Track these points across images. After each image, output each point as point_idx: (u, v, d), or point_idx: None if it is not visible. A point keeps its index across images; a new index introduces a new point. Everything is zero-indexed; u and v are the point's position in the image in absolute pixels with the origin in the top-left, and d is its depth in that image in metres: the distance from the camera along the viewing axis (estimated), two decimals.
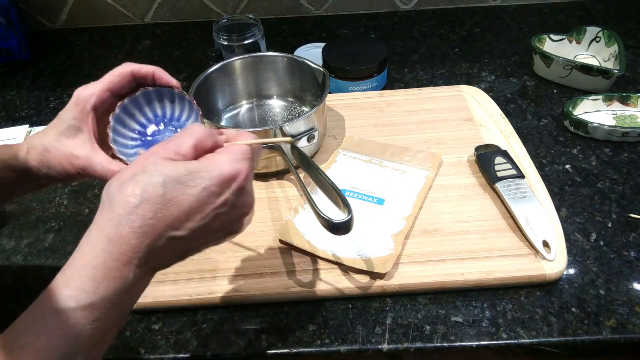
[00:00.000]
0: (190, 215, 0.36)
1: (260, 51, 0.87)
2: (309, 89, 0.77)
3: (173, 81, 0.52)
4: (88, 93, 0.49)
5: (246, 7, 1.07)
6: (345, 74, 0.82)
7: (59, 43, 1.05)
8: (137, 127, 0.52)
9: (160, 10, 1.08)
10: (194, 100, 0.53)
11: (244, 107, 0.79)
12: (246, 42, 0.85)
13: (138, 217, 0.35)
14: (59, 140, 0.48)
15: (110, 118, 0.50)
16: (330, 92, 0.82)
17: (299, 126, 0.66)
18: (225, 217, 0.38)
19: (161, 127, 0.53)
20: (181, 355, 0.52)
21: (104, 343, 0.36)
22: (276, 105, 0.80)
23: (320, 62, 0.82)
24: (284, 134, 0.65)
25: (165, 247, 0.37)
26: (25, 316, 0.35)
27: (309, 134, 0.67)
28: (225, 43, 0.86)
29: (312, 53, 0.92)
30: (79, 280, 0.35)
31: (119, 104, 0.51)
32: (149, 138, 0.53)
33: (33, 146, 0.49)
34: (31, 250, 0.63)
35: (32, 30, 1.07)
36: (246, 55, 0.77)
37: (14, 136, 0.81)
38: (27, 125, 0.83)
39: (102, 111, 0.50)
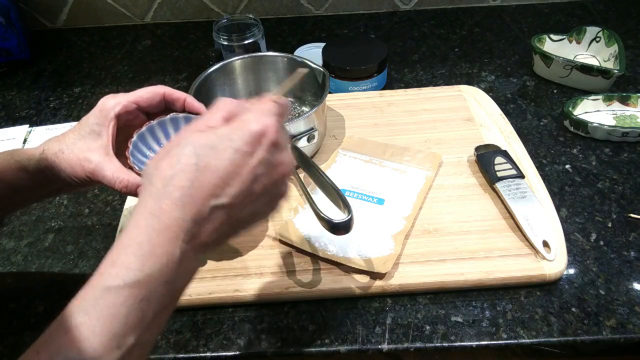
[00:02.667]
0: (228, 179, 0.36)
1: (260, 51, 0.87)
2: (309, 89, 0.77)
3: (203, 109, 0.53)
4: (114, 102, 0.49)
5: (246, 7, 1.07)
6: (345, 74, 0.82)
7: (59, 43, 1.05)
8: (158, 149, 0.52)
9: (160, 10, 1.08)
10: None
11: None
12: (246, 42, 0.85)
13: (175, 188, 0.35)
14: (75, 144, 0.49)
15: (134, 133, 0.50)
16: (330, 92, 0.82)
17: (299, 126, 0.66)
18: (265, 178, 0.37)
19: None
20: (181, 355, 0.52)
21: (156, 326, 0.35)
22: None
23: (320, 62, 0.82)
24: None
25: (211, 218, 0.35)
26: (79, 295, 0.34)
27: (309, 134, 0.67)
28: (225, 43, 0.86)
29: (312, 53, 0.92)
30: (125, 258, 0.34)
31: (146, 123, 0.51)
32: None
33: (49, 147, 0.49)
34: (31, 250, 0.63)
35: (32, 30, 1.07)
36: (246, 55, 0.77)
37: (13, 136, 0.81)
38: (27, 125, 0.83)
39: (125, 121, 0.51)
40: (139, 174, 0.48)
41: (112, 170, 0.47)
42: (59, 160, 0.48)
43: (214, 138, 0.36)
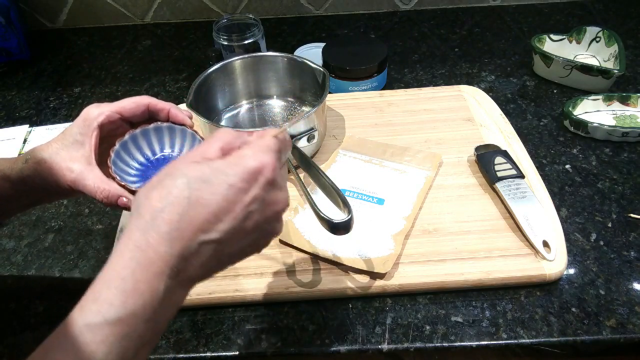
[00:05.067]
0: (220, 215, 0.34)
1: (260, 51, 0.87)
2: (309, 89, 0.77)
3: (187, 120, 0.53)
4: (97, 111, 0.49)
5: (246, 7, 1.07)
6: (345, 74, 0.82)
7: (59, 43, 1.05)
8: (141, 159, 0.53)
9: (160, 10, 1.08)
10: (204, 139, 0.54)
11: (244, 107, 0.79)
12: (246, 42, 0.85)
13: (164, 222, 0.33)
14: (58, 153, 0.48)
15: (117, 142, 0.50)
16: (330, 92, 0.82)
17: (299, 126, 0.66)
18: (258, 215, 0.36)
19: (163, 160, 0.54)
20: (181, 355, 0.52)
21: None
22: (276, 105, 0.80)
23: (320, 62, 0.82)
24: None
25: (199, 254, 0.34)
26: (56, 332, 0.33)
27: (309, 134, 0.67)
28: (225, 43, 0.86)
29: (312, 53, 0.92)
30: (107, 294, 0.33)
31: (129, 132, 0.51)
32: (150, 170, 0.53)
33: (33, 156, 0.49)
34: (31, 250, 0.63)
35: (32, 30, 1.07)
36: (246, 55, 0.77)
37: (13, 136, 0.81)
38: (27, 125, 0.83)
39: (108, 132, 0.51)
40: (120, 184, 0.48)
41: (93, 180, 0.47)
42: (42, 169, 0.48)
43: (208, 171, 0.35)
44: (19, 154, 0.77)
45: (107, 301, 0.32)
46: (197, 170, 0.35)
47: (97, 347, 0.32)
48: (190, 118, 0.54)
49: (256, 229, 0.37)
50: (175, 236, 0.33)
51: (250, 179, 0.35)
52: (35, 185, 0.49)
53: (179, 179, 0.35)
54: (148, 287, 0.33)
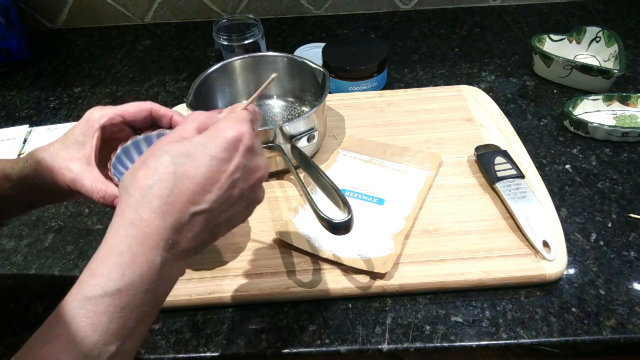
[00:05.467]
0: (207, 186, 0.36)
1: (260, 51, 0.87)
2: (309, 89, 0.77)
3: None
4: (100, 113, 0.50)
5: (246, 7, 1.07)
6: (345, 74, 0.82)
7: (59, 43, 1.05)
8: None
9: (160, 10, 1.08)
10: None
11: None
12: (246, 42, 0.85)
13: (155, 197, 0.35)
14: (59, 153, 0.49)
15: (119, 146, 0.50)
16: (330, 92, 0.82)
17: (299, 126, 0.66)
18: (242, 183, 0.38)
19: None
20: (181, 356, 0.52)
21: (138, 334, 0.35)
22: (276, 105, 0.80)
23: (320, 62, 0.82)
24: (284, 134, 0.65)
25: (191, 225, 0.36)
26: (58, 308, 0.34)
27: (309, 134, 0.67)
28: (225, 43, 0.86)
29: (312, 53, 0.92)
30: (105, 268, 0.34)
31: (132, 137, 0.51)
32: None
33: (34, 156, 0.49)
34: (31, 250, 0.63)
35: (32, 30, 1.07)
36: (246, 55, 0.77)
37: (13, 136, 0.81)
38: (27, 125, 0.83)
39: (110, 134, 0.51)
40: (117, 185, 0.48)
41: (91, 180, 0.47)
42: (42, 168, 0.48)
43: (190, 146, 0.37)
44: (19, 154, 0.77)
45: (105, 275, 0.34)
46: (179, 147, 0.37)
47: (98, 319, 0.33)
48: None
49: (242, 197, 0.39)
50: (167, 209, 0.35)
51: (231, 149, 0.37)
52: (35, 185, 0.49)
53: (163, 157, 0.36)
54: (145, 260, 0.34)
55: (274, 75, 0.46)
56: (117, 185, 0.48)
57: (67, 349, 0.32)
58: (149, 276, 0.35)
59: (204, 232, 0.37)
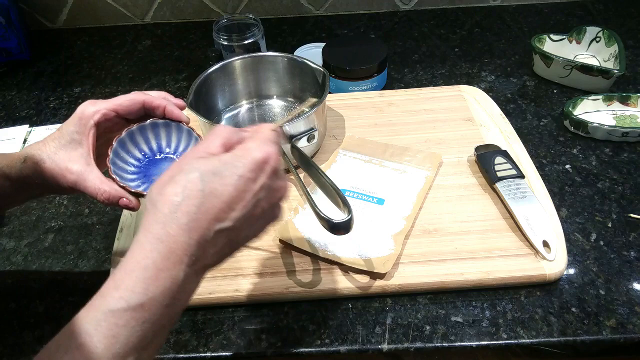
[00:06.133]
0: (232, 204, 0.37)
1: (260, 51, 0.87)
2: (309, 89, 0.77)
3: (183, 117, 0.54)
4: (93, 109, 0.50)
5: (246, 7, 1.07)
6: (345, 74, 0.82)
7: (59, 43, 1.05)
8: (139, 155, 0.53)
9: (160, 10, 1.08)
10: (201, 136, 0.54)
11: (244, 107, 0.79)
12: (246, 42, 0.85)
13: (183, 214, 0.36)
14: (57, 153, 0.49)
15: (114, 140, 0.50)
16: (330, 92, 0.82)
17: (299, 126, 0.66)
18: (265, 202, 0.39)
19: (160, 156, 0.54)
20: (181, 355, 0.52)
21: (155, 345, 0.36)
22: (276, 105, 0.80)
23: (320, 62, 0.82)
24: (284, 134, 0.65)
25: (214, 242, 0.37)
26: (79, 317, 0.34)
27: (309, 134, 0.67)
28: (225, 43, 0.86)
29: (312, 53, 0.92)
30: (129, 282, 0.35)
31: (126, 129, 0.51)
32: (148, 168, 0.53)
33: (31, 156, 0.49)
34: (31, 250, 0.63)
35: (32, 30, 1.07)
36: (246, 55, 0.77)
37: (13, 136, 0.81)
38: (27, 125, 0.83)
39: (104, 129, 0.51)
40: (120, 185, 0.49)
41: (93, 182, 0.48)
42: (41, 170, 0.49)
43: (218, 164, 0.37)
44: None
45: (130, 288, 0.34)
46: (207, 165, 0.37)
47: (119, 331, 0.34)
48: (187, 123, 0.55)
49: (263, 215, 0.39)
50: (194, 226, 0.36)
51: (258, 169, 0.38)
52: (36, 184, 0.50)
53: (192, 174, 0.37)
54: (169, 275, 0.35)
55: (313, 101, 0.46)
56: (119, 186, 0.49)
57: (88, 359, 0.33)
58: (171, 291, 0.35)
59: (225, 248, 0.38)
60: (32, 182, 0.50)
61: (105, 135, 0.51)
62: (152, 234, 0.36)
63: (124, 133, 0.51)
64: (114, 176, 0.49)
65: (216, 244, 0.37)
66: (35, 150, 0.50)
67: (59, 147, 0.49)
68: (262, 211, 0.39)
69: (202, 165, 0.37)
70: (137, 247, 0.36)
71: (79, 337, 0.33)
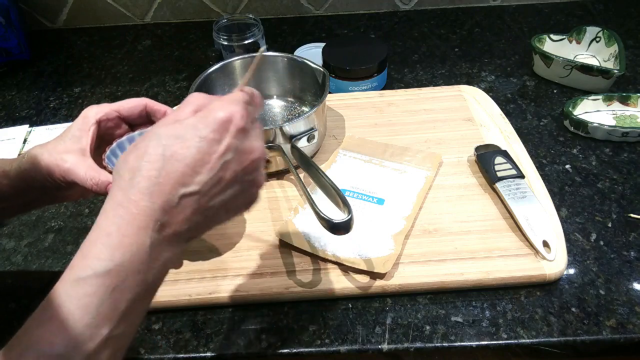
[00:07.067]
0: (197, 167, 0.35)
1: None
2: (309, 89, 0.77)
3: None
4: (96, 109, 0.51)
5: (246, 7, 1.07)
6: (345, 74, 0.82)
7: (59, 43, 1.05)
8: None
9: (160, 10, 1.08)
10: None
11: None
12: (246, 42, 0.85)
13: (143, 179, 0.35)
14: (55, 147, 0.50)
15: (114, 141, 0.51)
16: (330, 92, 0.82)
17: (299, 126, 0.66)
18: (235, 164, 0.37)
19: None
20: (181, 355, 0.52)
21: (131, 319, 0.35)
22: (276, 105, 0.80)
23: (320, 62, 0.82)
24: (284, 134, 0.65)
25: (181, 207, 0.35)
26: (53, 290, 0.34)
27: (309, 134, 0.67)
28: (225, 43, 0.86)
29: (312, 53, 0.92)
30: (94, 250, 0.34)
31: (127, 133, 0.52)
32: None
33: (31, 152, 0.50)
34: (31, 250, 0.63)
35: (32, 30, 1.07)
36: (246, 55, 0.77)
37: (13, 136, 0.81)
38: (27, 125, 0.83)
39: (106, 129, 0.52)
40: (109, 171, 0.49)
41: (85, 169, 0.48)
42: (38, 162, 0.49)
43: (180, 128, 0.36)
44: (19, 154, 0.78)
45: (95, 256, 0.34)
46: (170, 129, 0.36)
47: (89, 300, 0.33)
48: None
49: (235, 179, 0.37)
50: (155, 190, 0.35)
51: (222, 129, 0.36)
52: (31, 179, 0.50)
53: (153, 139, 0.36)
54: (134, 240, 0.34)
55: (263, 48, 0.45)
56: (110, 173, 0.49)
57: (60, 331, 0.32)
58: (139, 257, 0.34)
59: (196, 214, 0.36)
60: (28, 178, 0.50)
61: (107, 140, 0.52)
62: (115, 200, 0.35)
63: (124, 137, 0.52)
64: (106, 165, 0.49)
65: (184, 210, 0.36)
66: (36, 148, 0.51)
67: (59, 142, 0.50)
68: (234, 174, 0.37)
69: (165, 130, 0.36)
70: (102, 216, 0.36)
71: (51, 309, 0.33)
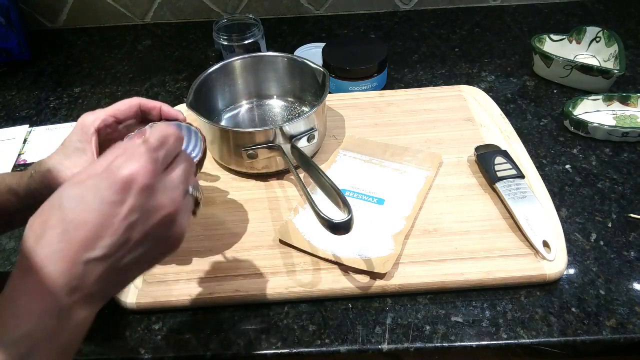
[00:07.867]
0: (100, 231, 0.34)
1: (260, 51, 0.87)
2: (309, 89, 0.77)
3: (179, 115, 0.55)
4: (93, 117, 0.51)
5: (246, 7, 1.07)
6: (345, 74, 0.82)
7: (59, 43, 1.05)
8: None
9: (160, 10, 1.08)
10: (199, 129, 0.55)
11: (244, 107, 0.79)
12: (246, 42, 0.85)
13: (45, 245, 0.33)
14: (62, 162, 0.50)
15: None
16: (330, 92, 0.82)
17: (299, 126, 0.66)
18: (142, 224, 0.35)
19: None
20: (181, 355, 0.52)
21: None
22: (276, 105, 0.80)
23: (320, 62, 0.82)
24: (284, 134, 0.65)
25: (89, 271, 0.34)
26: None
27: (309, 134, 0.67)
28: (225, 43, 0.86)
29: (312, 53, 0.92)
30: (1, 319, 0.33)
31: (126, 136, 0.53)
32: None
33: (38, 169, 0.50)
34: None
35: (32, 30, 1.07)
36: (246, 55, 0.77)
37: (14, 136, 0.81)
38: (27, 125, 0.83)
39: (105, 136, 0.52)
40: None
41: None
42: (48, 180, 0.49)
43: (83, 189, 0.34)
44: (19, 154, 0.78)
45: (3, 325, 0.33)
46: (73, 190, 0.35)
47: None
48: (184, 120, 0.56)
49: (146, 237, 0.36)
50: (59, 257, 0.33)
51: (123, 190, 0.34)
52: (43, 197, 0.50)
53: (55, 202, 0.35)
54: (42, 307, 0.33)
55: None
56: None
57: None
58: (49, 323, 0.33)
59: (108, 275, 0.35)
60: (38, 196, 0.50)
61: (106, 144, 0.52)
62: (21, 267, 0.34)
63: (124, 140, 0.52)
64: None
65: (92, 273, 0.34)
66: (41, 164, 0.51)
67: (64, 157, 0.50)
68: (144, 233, 0.35)
69: (69, 191, 0.35)
70: (10, 283, 0.34)
71: None
